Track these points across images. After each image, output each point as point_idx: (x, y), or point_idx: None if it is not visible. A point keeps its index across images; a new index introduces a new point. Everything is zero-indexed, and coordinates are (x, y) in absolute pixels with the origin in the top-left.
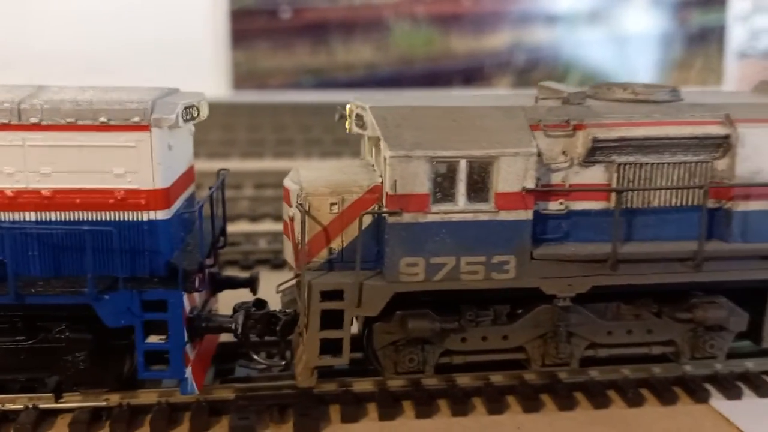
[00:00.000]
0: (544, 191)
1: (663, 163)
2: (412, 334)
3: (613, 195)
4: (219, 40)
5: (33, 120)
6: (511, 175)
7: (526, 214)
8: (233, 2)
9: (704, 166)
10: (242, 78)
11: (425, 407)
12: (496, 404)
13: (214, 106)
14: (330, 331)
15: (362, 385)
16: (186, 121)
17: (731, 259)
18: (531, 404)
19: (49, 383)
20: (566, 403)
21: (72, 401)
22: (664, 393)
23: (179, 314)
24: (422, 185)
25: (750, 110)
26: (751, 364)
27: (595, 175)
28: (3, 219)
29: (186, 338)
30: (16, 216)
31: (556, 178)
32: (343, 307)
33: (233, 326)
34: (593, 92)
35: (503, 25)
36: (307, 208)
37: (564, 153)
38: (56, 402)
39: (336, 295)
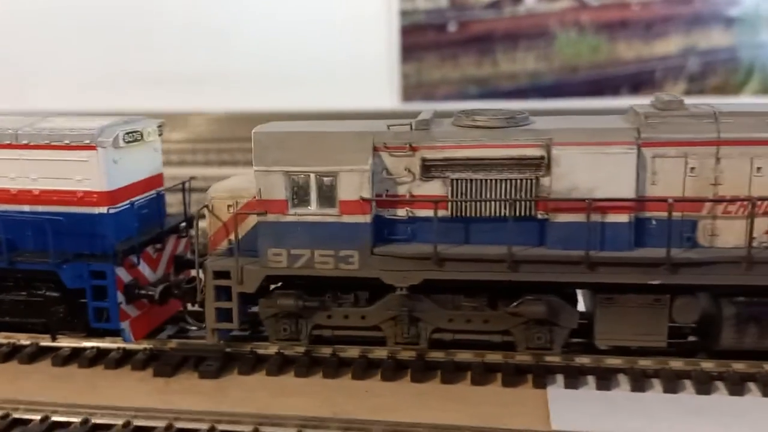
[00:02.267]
0: (389, 200)
1: (491, 179)
2: (280, 308)
3: (449, 204)
4: (391, 55)
5: (24, 141)
6: (351, 187)
7: (365, 218)
8: (404, 18)
9: (529, 182)
10: (411, 89)
11: (303, 368)
12: (360, 372)
13: (386, 117)
14: (222, 303)
15: (263, 348)
16: (128, 143)
17: (547, 263)
18: (390, 374)
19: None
20: (419, 377)
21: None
22: (508, 376)
23: (113, 282)
24: (280, 193)
25: (569, 134)
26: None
27: (434, 188)
28: (8, 210)
29: (122, 300)
30: (17, 207)
31: (401, 190)
32: (230, 284)
33: (154, 294)
34: (456, 119)
35: (675, 29)
36: (211, 208)
37: (407, 170)
38: (52, 341)
39: (226, 275)
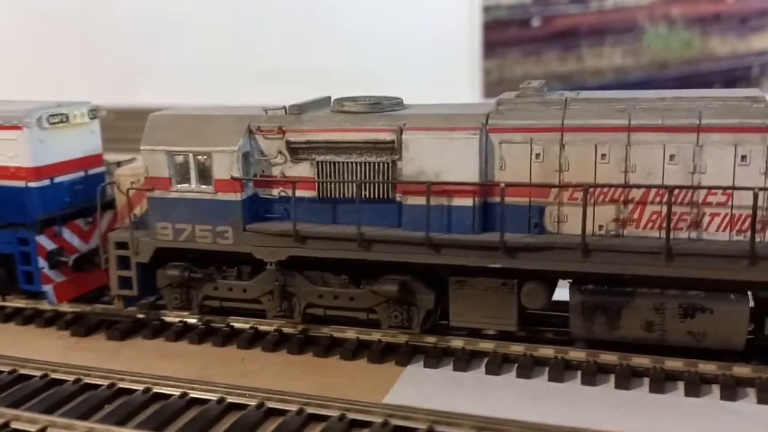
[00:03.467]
0: (260, 180)
1: (352, 162)
2: (168, 279)
3: (317, 185)
4: (473, 51)
5: None
6: (223, 167)
7: (236, 196)
8: (487, 14)
9: (386, 165)
10: (493, 86)
11: (196, 336)
12: (245, 342)
13: None
14: (123, 271)
15: (170, 317)
16: (53, 124)
17: (396, 243)
18: (270, 346)
19: None
20: (296, 349)
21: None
22: (374, 354)
23: (34, 248)
24: (164, 171)
25: (419, 120)
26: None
27: (303, 169)
28: None
29: (44, 265)
30: None
31: (275, 171)
32: (128, 254)
33: (68, 261)
34: (332, 105)
35: None
36: (117, 186)
37: (279, 152)
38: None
39: (126, 246)
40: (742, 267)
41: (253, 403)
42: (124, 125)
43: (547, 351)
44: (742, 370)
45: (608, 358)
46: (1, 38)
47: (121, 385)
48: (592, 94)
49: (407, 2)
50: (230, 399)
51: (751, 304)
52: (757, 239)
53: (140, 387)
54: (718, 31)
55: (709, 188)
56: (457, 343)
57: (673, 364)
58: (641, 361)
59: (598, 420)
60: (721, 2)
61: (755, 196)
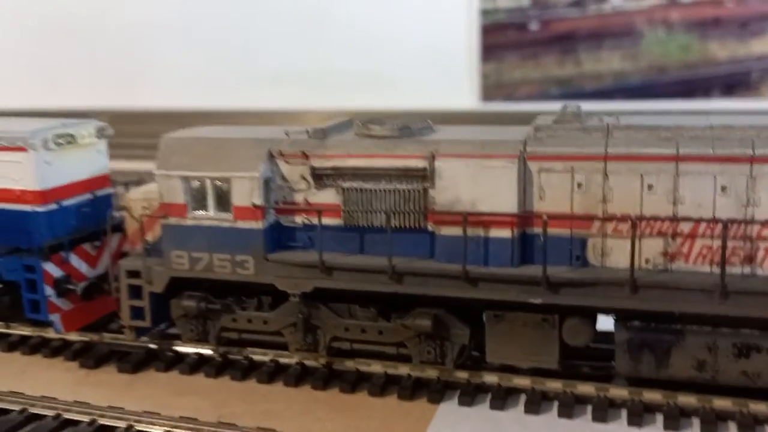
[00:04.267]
0: (281, 207)
1: (381, 190)
2: (184, 310)
3: (343, 213)
4: (471, 55)
5: None
6: (243, 193)
7: (257, 224)
8: (485, 17)
9: (417, 193)
10: (491, 89)
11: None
12: (265, 376)
13: (464, 117)
14: (135, 301)
15: (185, 348)
16: (60, 145)
17: (429, 276)
18: (291, 380)
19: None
20: (319, 385)
21: None
22: (404, 390)
23: (41, 276)
24: (180, 197)
25: (453, 146)
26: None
27: (328, 196)
28: None
29: (51, 293)
30: None
31: (297, 197)
32: (140, 283)
33: (77, 289)
34: (357, 127)
35: None
36: (128, 211)
37: (302, 177)
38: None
39: (138, 274)
40: None
41: None
42: (122, 129)
43: (587, 388)
44: None
45: (653, 396)
46: (3, 42)
47: (139, 427)
48: (635, 120)
49: (407, 6)
50: None
51: None
52: None
53: (159, 430)
54: (717, 35)
55: (764, 222)
56: (491, 378)
57: (722, 403)
58: (688, 400)
59: None
60: (720, 6)
61: None
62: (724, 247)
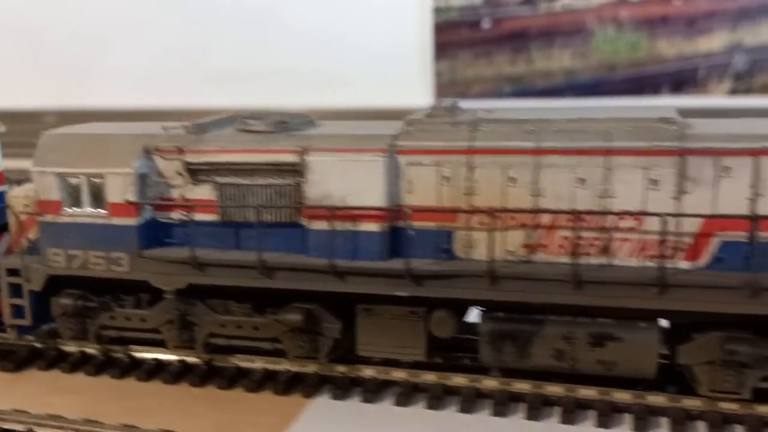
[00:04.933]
0: (156, 203)
1: (255, 185)
2: (62, 308)
3: (218, 209)
4: (425, 53)
5: None
6: (117, 189)
7: (132, 221)
8: (437, 15)
9: (290, 188)
10: (445, 87)
11: (92, 368)
12: (144, 374)
13: None
14: (15, 299)
15: (69, 347)
16: None
17: (299, 270)
18: (170, 378)
19: None
20: (196, 382)
21: None
22: (279, 386)
23: None
24: (55, 194)
25: (325, 141)
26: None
27: (205, 192)
28: None
29: None
30: None
31: (174, 194)
32: (20, 281)
33: None
34: (240, 123)
35: (720, 24)
36: (11, 209)
37: (178, 173)
38: None
39: (17, 272)
40: (651, 295)
41: None
42: None
43: (460, 380)
44: (656, 399)
45: (521, 386)
46: None
47: (5, 425)
48: (506, 114)
49: (359, 4)
50: None
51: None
52: (669, 265)
53: (22, 427)
54: (665, 33)
55: (616, 213)
56: (369, 372)
57: (587, 392)
58: (555, 389)
59: None
60: (668, 4)
61: (663, 222)
62: (575, 237)
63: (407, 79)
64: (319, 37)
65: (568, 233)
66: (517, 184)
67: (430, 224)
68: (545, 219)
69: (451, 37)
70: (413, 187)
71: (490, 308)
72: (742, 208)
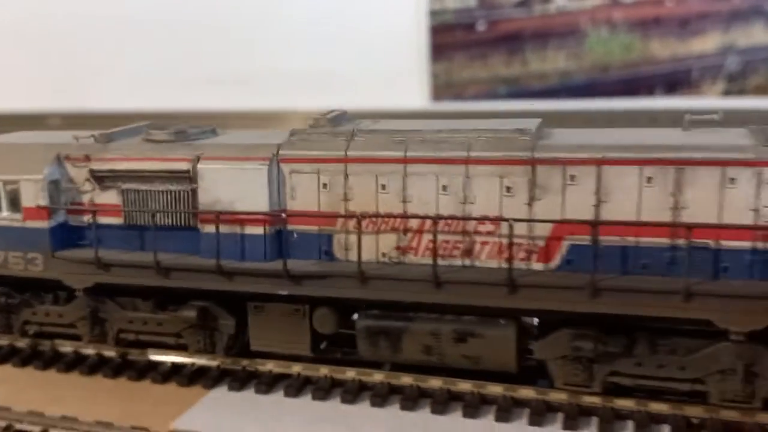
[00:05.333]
0: (64, 208)
1: (155, 191)
2: None
3: (123, 213)
4: (421, 55)
5: None
6: (30, 195)
7: (44, 224)
8: (433, 18)
9: (186, 194)
10: (440, 89)
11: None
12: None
13: (416, 117)
14: None
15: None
16: None
17: (192, 270)
18: (86, 370)
19: None
20: (109, 374)
21: None
22: (183, 378)
23: None
24: None
25: (216, 150)
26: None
27: (111, 197)
28: None
29: None
30: None
31: (85, 198)
32: None
33: None
34: (145, 133)
35: (713, 26)
36: None
37: (87, 180)
38: None
39: None
40: (503, 294)
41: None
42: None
43: (350, 374)
44: (524, 393)
45: (405, 380)
46: None
47: None
48: (382, 125)
49: (355, 6)
50: None
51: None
52: (524, 266)
53: None
54: (658, 34)
55: (475, 219)
56: (268, 366)
57: (464, 386)
58: (434, 383)
59: None
60: (661, 5)
61: (510, 227)
62: (435, 240)
63: (405, 81)
64: (316, 40)
65: (431, 237)
66: (388, 190)
67: (312, 228)
68: (413, 223)
69: (447, 39)
70: (296, 193)
71: (366, 306)
72: (587, 213)
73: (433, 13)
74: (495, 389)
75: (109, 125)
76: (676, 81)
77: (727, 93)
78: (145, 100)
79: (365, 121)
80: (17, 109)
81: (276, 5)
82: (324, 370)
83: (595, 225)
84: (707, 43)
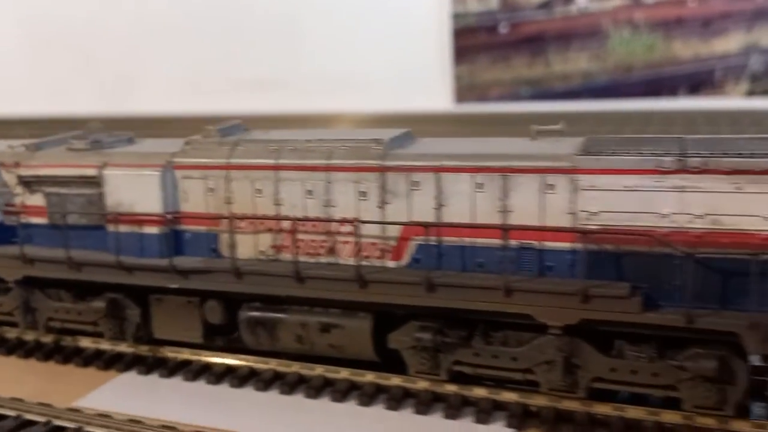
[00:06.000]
0: (6, 209)
1: (72, 194)
2: None
3: (48, 213)
4: (444, 58)
5: None
6: None
7: None
8: (456, 21)
9: (97, 197)
10: (464, 91)
11: None
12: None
13: (440, 119)
14: None
15: None
16: None
17: (99, 266)
18: (23, 353)
19: None
20: (40, 357)
21: None
22: (101, 363)
23: None
24: None
25: (118, 158)
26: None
27: (38, 200)
28: None
29: None
30: None
31: (17, 201)
32: None
33: None
34: (69, 142)
35: (735, 25)
36: None
37: (17, 184)
38: None
39: None
40: (356, 289)
41: None
42: None
43: (241, 362)
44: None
45: (271, 366)
46: (7, 53)
47: None
48: (264, 135)
49: (381, 12)
50: None
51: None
52: (380, 264)
53: None
54: (680, 34)
55: (335, 221)
56: (171, 354)
57: (337, 375)
58: (297, 369)
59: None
60: (683, 5)
61: (357, 228)
62: (294, 240)
63: (429, 84)
64: (345, 46)
65: (303, 237)
66: (263, 194)
67: (202, 228)
68: (285, 224)
69: (470, 41)
70: (187, 196)
71: (249, 300)
72: (430, 216)
73: (456, 16)
74: (479, 392)
75: (147, 128)
76: (699, 81)
77: (750, 93)
78: (184, 103)
79: (256, 132)
80: (59, 113)
81: (305, 12)
82: (219, 359)
83: (427, 227)
84: (730, 43)
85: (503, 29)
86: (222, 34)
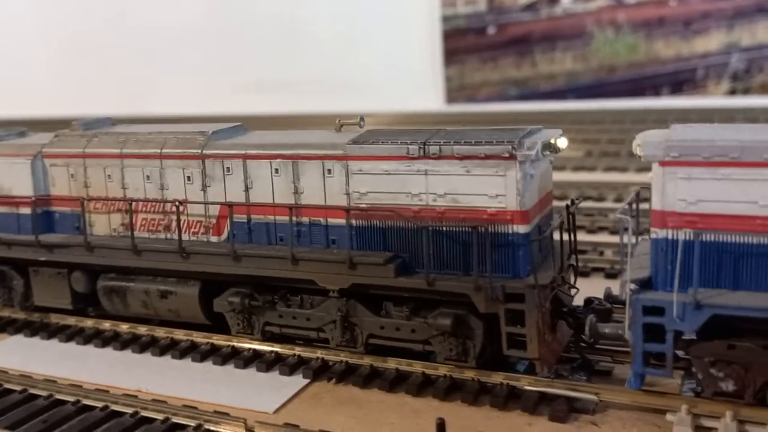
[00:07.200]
0: None
1: None
2: None
3: None
4: (435, 59)
5: None
6: None
7: None
8: (445, 23)
9: None
10: (454, 92)
11: None
12: None
13: (431, 118)
14: None
15: None
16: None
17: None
18: None
19: None
20: None
21: None
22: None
23: None
24: None
25: (2, 148)
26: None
27: None
28: None
29: None
30: None
31: None
32: None
33: None
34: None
35: (716, 25)
36: None
37: None
38: None
39: None
40: (180, 260)
41: None
42: None
43: (124, 327)
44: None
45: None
46: (34, 59)
47: None
48: (120, 129)
49: (374, 17)
50: None
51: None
52: (205, 239)
53: None
54: (662, 34)
55: (142, 201)
56: (64, 320)
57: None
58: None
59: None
60: (664, 6)
61: (177, 207)
62: (131, 219)
63: (421, 85)
64: (340, 49)
65: (145, 216)
66: (113, 180)
67: (67, 209)
68: (128, 205)
69: (459, 43)
70: (55, 182)
71: (106, 271)
72: (241, 197)
73: (446, 19)
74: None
75: None
76: (681, 80)
77: (732, 92)
78: (195, 105)
79: (120, 126)
80: (80, 114)
81: (305, 17)
82: (89, 323)
83: (231, 206)
84: (711, 42)
85: (491, 31)
86: (227, 42)
